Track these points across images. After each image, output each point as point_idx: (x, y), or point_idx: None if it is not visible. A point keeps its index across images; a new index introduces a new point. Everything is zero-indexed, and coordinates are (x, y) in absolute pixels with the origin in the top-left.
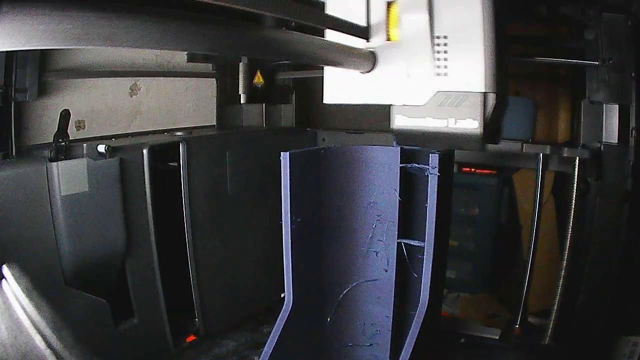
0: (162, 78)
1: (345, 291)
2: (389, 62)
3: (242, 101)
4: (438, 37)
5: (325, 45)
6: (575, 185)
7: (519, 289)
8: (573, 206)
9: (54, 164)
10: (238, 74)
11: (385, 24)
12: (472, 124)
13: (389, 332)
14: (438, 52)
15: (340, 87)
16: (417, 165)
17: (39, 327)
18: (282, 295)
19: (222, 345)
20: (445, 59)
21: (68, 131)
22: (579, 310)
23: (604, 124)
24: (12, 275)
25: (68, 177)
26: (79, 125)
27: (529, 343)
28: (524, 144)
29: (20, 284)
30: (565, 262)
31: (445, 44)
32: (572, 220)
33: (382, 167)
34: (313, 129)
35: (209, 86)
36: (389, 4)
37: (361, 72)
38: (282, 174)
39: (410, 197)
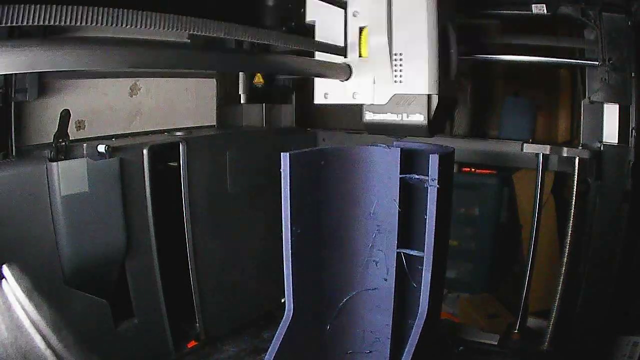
0: (162, 78)
1: (345, 300)
2: (360, 73)
3: (242, 101)
4: (395, 54)
5: (314, 63)
6: (575, 185)
7: (519, 289)
8: (573, 206)
9: (54, 164)
10: (238, 74)
11: (358, 44)
12: (419, 118)
13: (388, 340)
14: (395, 64)
15: (326, 91)
16: (416, 176)
17: (39, 327)
18: (282, 300)
19: (223, 351)
20: (401, 70)
21: (68, 131)
22: (579, 310)
23: (604, 124)
24: (12, 275)
25: (68, 177)
26: (79, 125)
27: (528, 348)
28: (524, 144)
29: (20, 284)
30: (565, 262)
31: (400, 59)
32: (572, 220)
33: (382, 177)
34: (313, 129)
35: (209, 86)
36: (360, 29)
37: (340, 80)
38: (282, 175)
39: (409, 206)
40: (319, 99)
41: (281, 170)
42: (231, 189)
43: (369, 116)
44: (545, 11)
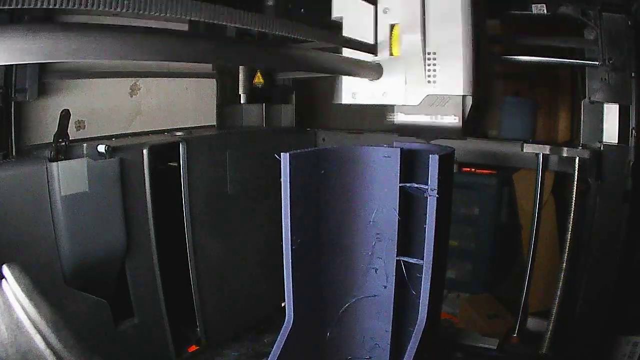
0: (162, 78)
1: (345, 306)
2: (391, 72)
3: (242, 101)
4: (429, 53)
5: (345, 60)
6: (575, 185)
7: (519, 289)
8: (573, 206)
9: (54, 164)
10: (238, 74)
11: (389, 42)
12: (453, 120)
13: (388, 346)
14: (428, 64)
15: (355, 90)
16: (415, 185)
17: (39, 327)
18: (283, 305)
19: (224, 355)
20: (434, 70)
21: (68, 131)
22: (579, 310)
23: (604, 124)
24: (12, 275)
25: (68, 177)
26: (79, 125)
27: (528, 352)
28: (524, 144)
29: (20, 284)
30: (565, 262)
31: (434, 58)
32: (572, 220)
33: (382, 184)
34: (313, 129)
35: (209, 86)
36: (392, 26)
37: (369, 80)
38: (282, 175)
39: (409, 213)
40: (346, 98)
41: (281, 170)
42: (231, 189)
43: (401, 117)
44: (545, 11)
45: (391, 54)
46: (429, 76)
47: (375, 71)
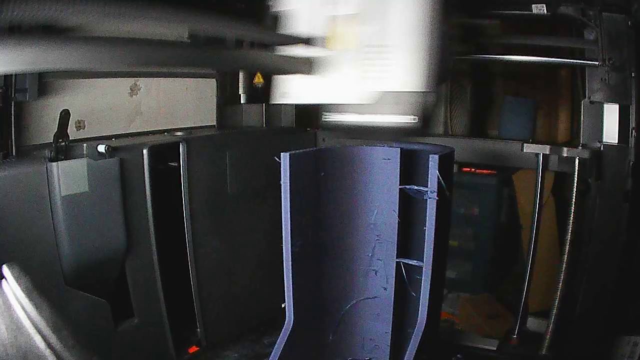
0: (162, 78)
1: (345, 308)
2: (338, 67)
3: (242, 101)
4: (379, 45)
5: (269, 57)
6: (575, 185)
7: (519, 289)
8: (573, 206)
9: (54, 164)
10: (238, 74)
11: (334, 34)
12: (409, 118)
13: (388, 348)
14: (379, 58)
15: (286, 89)
16: (415, 187)
17: (39, 327)
18: (283, 305)
19: (224, 357)
20: (386, 64)
21: (68, 131)
22: (579, 310)
23: (604, 124)
24: (12, 275)
25: (68, 177)
26: (79, 125)
27: (528, 353)
28: (524, 144)
29: (20, 284)
30: (565, 262)
31: (385, 51)
32: (572, 220)
33: (382, 186)
34: (313, 129)
35: (209, 86)
36: (334, 17)
37: (305, 77)
38: (282, 176)
39: (409, 215)
40: (277, 98)
41: (281, 170)
42: (231, 189)
43: (345, 117)
44: (545, 11)
45: (334, 47)
46: (381, 70)
47: (307, 66)
